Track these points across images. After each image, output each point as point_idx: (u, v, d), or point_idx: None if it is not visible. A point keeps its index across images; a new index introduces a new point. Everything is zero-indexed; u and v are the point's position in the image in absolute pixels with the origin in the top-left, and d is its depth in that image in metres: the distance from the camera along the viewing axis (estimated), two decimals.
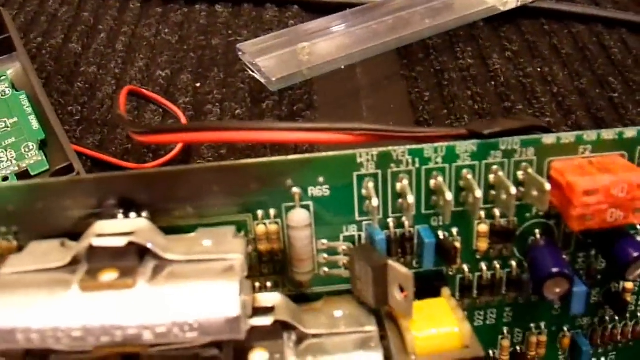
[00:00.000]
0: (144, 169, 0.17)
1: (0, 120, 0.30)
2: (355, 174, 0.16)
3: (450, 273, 0.18)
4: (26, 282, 0.15)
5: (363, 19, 0.32)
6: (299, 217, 0.16)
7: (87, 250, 0.15)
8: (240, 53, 0.30)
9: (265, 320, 0.15)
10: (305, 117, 0.30)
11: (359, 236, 0.17)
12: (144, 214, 0.16)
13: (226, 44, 0.34)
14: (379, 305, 0.16)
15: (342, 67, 0.31)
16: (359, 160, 0.16)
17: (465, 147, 0.17)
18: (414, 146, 0.16)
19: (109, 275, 0.15)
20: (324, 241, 0.17)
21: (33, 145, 0.29)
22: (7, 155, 0.29)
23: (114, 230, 0.15)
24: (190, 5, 0.37)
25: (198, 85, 0.32)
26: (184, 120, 0.29)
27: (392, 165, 0.16)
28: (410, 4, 0.33)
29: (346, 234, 0.17)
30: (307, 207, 0.16)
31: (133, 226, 0.15)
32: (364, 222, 0.17)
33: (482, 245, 0.18)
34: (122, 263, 0.15)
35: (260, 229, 0.17)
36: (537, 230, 0.18)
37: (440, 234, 0.17)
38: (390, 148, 0.16)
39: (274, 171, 0.16)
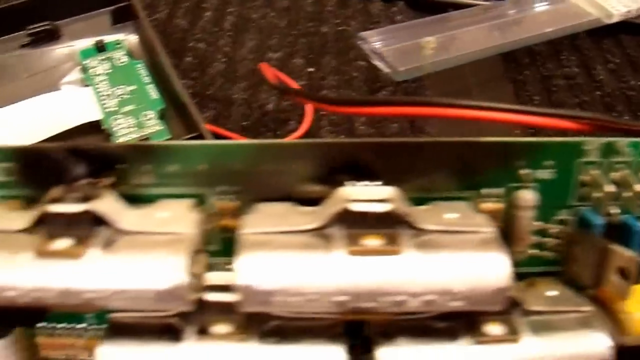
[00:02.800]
0: (383, 139, 0.17)
1: (118, 87, 0.30)
2: (580, 160, 0.17)
3: None
4: (279, 243, 0.15)
5: (479, 19, 0.33)
6: (529, 197, 0.17)
7: (342, 215, 0.15)
8: (361, 41, 0.31)
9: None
10: None
11: (570, 220, 0.18)
12: (377, 183, 0.17)
13: (335, 32, 0.34)
14: (594, 287, 0.17)
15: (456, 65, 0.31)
16: (586, 147, 0.17)
17: None
18: (636, 139, 0.17)
19: (374, 241, 0.15)
20: (538, 223, 0.18)
21: (153, 114, 0.29)
22: (126, 122, 0.29)
23: (366, 196, 0.16)
24: None
25: (311, 70, 0.32)
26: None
27: (614, 155, 0.17)
28: (517, 9, 0.34)
29: (559, 217, 0.18)
30: (531, 188, 0.17)
31: (384, 194, 0.16)
32: (577, 207, 0.18)
33: None
34: (381, 229, 0.15)
35: (485, 206, 0.17)
36: None
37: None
38: (614, 139, 0.17)
39: (509, 151, 0.17)
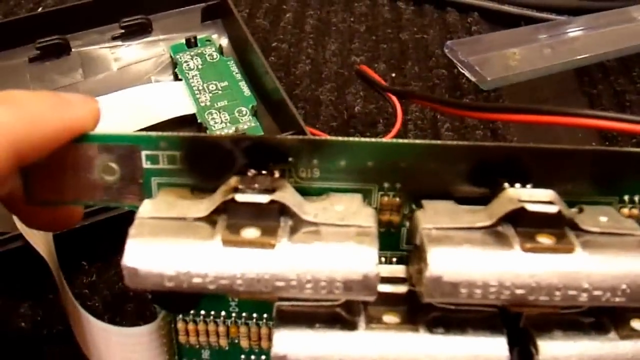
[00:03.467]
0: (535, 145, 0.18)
1: (210, 83, 0.31)
2: None
3: None
4: (461, 238, 0.16)
5: (555, 33, 0.34)
6: None
7: (513, 215, 0.16)
8: (447, 50, 0.32)
9: None
10: None
11: None
12: (528, 185, 0.17)
13: (414, 39, 0.35)
14: None
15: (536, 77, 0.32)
16: None
17: None
18: None
19: (546, 240, 0.16)
20: None
21: (246, 111, 0.30)
22: (220, 117, 0.30)
23: (535, 198, 0.16)
24: None
25: (394, 75, 0.33)
26: (397, 105, 0.30)
27: None
28: (590, 26, 0.35)
29: None
30: None
31: (549, 196, 0.16)
32: None
33: None
34: (550, 229, 0.16)
35: (624, 211, 0.18)
36: None
37: None
38: None
39: None
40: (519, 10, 0.36)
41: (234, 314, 0.20)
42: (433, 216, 0.17)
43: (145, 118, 0.29)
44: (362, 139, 0.18)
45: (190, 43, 0.31)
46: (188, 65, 0.31)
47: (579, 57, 0.33)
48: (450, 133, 0.30)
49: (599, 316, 0.17)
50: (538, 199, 0.16)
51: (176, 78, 0.31)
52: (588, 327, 0.17)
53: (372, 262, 0.15)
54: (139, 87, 0.30)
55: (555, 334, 0.17)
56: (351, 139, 0.18)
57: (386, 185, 0.18)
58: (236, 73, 0.31)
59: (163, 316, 0.20)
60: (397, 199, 0.18)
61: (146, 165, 0.18)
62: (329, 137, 0.17)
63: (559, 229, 0.16)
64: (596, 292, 0.16)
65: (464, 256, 0.15)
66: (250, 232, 0.16)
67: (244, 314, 0.20)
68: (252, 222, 0.16)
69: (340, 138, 0.18)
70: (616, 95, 0.34)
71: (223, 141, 0.18)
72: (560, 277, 0.15)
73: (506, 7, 0.36)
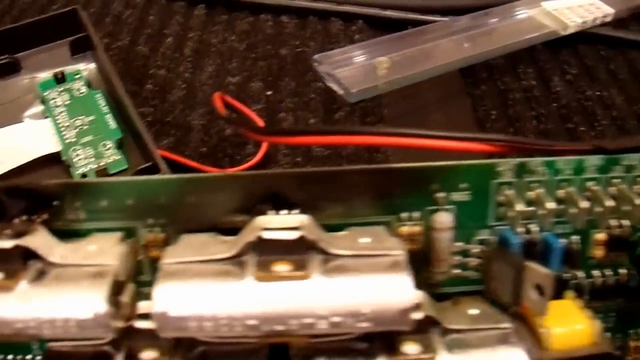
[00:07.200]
0: (300, 169, 0.18)
1: (77, 118, 0.31)
2: (494, 181, 0.18)
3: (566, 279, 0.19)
4: (194, 272, 0.16)
5: (433, 36, 0.33)
6: (445, 219, 0.17)
7: (256, 243, 0.16)
8: (316, 64, 0.31)
9: (416, 315, 0.16)
10: None
11: (490, 240, 0.18)
12: (295, 211, 0.17)
13: (294, 54, 0.35)
14: (514, 304, 0.17)
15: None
16: (499, 169, 0.17)
17: (593, 161, 0.18)
18: (549, 158, 0.18)
19: (282, 267, 0.15)
20: (459, 243, 0.18)
21: (111, 144, 0.30)
22: (85, 153, 0.30)
23: (280, 224, 0.16)
24: (256, 15, 0.38)
25: (269, 93, 0.33)
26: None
27: (527, 175, 0.18)
28: (474, 24, 0.35)
29: (479, 237, 0.18)
30: (448, 211, 0.18)
31: (297, 221, 0.16)
32: (496, 227, 0.18)
33: (599, 252, 0.19)
34: (292, 256, 0.16)
35: (404, 229, 0.18)
36: None
37: (562, 241, 0.19)
38: (527, 159, 0.17)
39: (423, 176, 0.17)
40: (404, 15, 0.36)
41: (38, 358, 0.20)
42: (182, 250, 0.17)
43: (10, 160, 0.29)
44: (117, 179, 0.18)
45: (58, 78, 0.31)
46: (55, 101, 0.31)
47: (459, 58, 0.33)
48: (320, 149, 0.30)
49: (372, 341, 0.17)
50: (282, 225, 0.16)
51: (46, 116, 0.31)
52: (358, 353, 0.17)
53: (100, 301, 0.15)
54: (3, 128, 0.30)
55: None
56: (107, 179, 0.18)
57: (150, 221, 0.18)
58: (103, 106, 0.31)
59: None
60: (162, 235, 0.18)
61: None
62: (85, 180, 0.17)
63: (301, 255, 0.16)
64: (335, 319, 0.15)
65: (190, 290, 0.15)
66: None
67: None
68: None
69: (96, 179, 0.18)
70: (500, 94, 0.33)
71: None
72: (292, 305, 0.15)
73: (389, 13, 0.36)
